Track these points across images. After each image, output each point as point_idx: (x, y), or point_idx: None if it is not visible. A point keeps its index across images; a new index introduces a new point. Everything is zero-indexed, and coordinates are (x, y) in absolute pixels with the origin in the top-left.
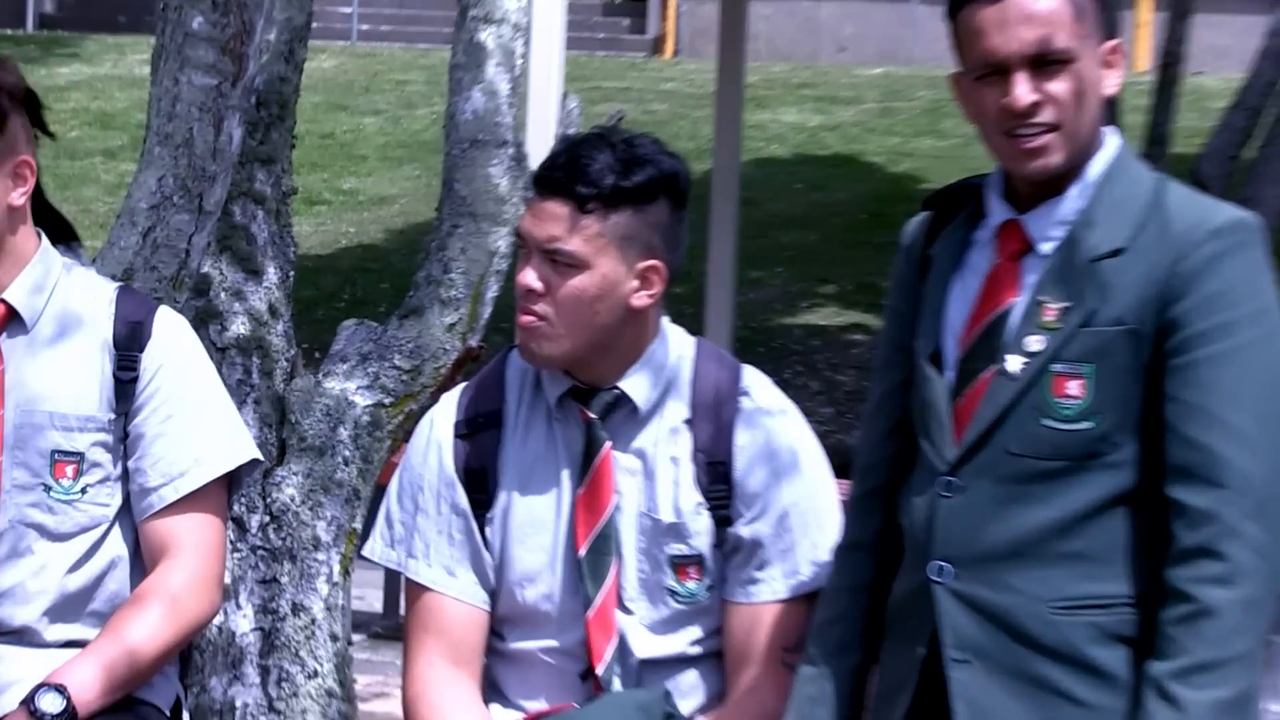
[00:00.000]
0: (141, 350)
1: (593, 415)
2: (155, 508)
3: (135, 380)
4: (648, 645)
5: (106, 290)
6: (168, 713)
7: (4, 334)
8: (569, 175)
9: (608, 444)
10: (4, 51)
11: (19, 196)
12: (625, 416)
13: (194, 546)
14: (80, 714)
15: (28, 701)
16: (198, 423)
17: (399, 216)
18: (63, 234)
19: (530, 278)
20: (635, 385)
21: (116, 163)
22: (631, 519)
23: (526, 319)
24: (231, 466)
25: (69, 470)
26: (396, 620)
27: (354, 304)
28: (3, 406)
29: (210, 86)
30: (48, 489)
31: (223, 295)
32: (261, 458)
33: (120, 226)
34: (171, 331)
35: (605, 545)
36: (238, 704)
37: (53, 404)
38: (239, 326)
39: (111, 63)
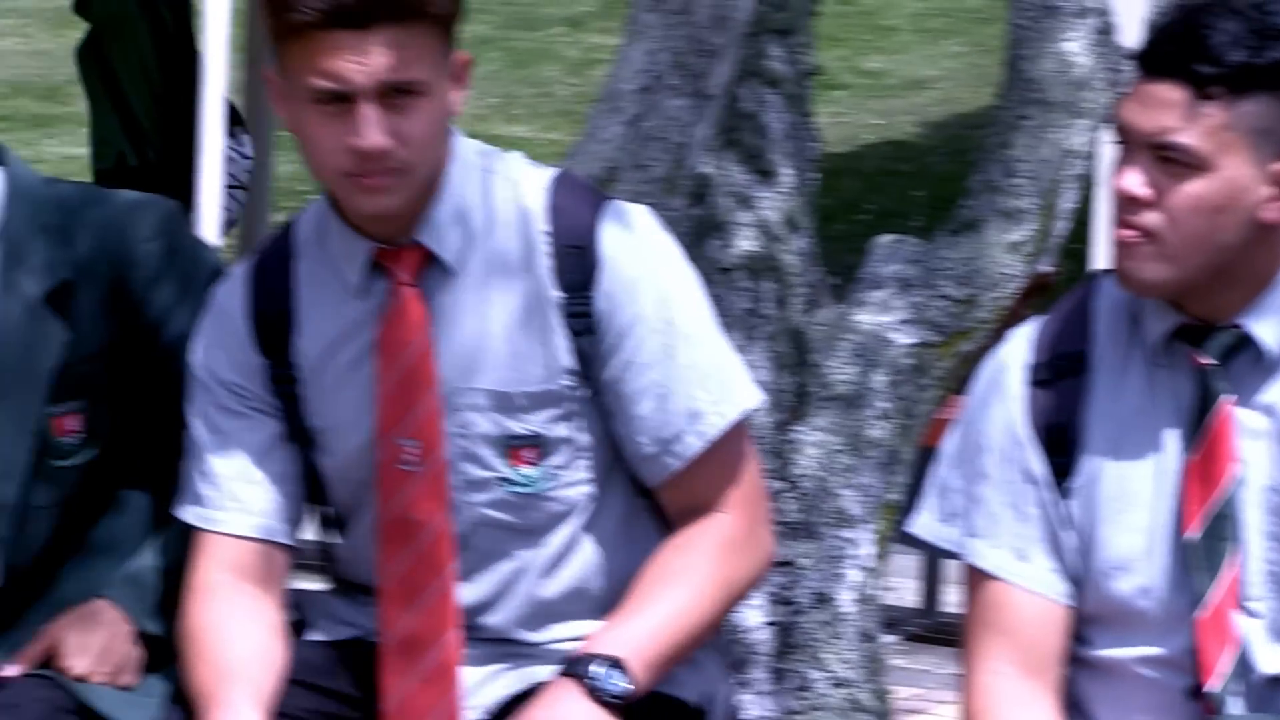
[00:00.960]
0: (591, 286)
1: (1208, 360)
2: (659, 477)
3: (593, 329)
4: (1276, 657)
5: (538, 192)
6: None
7: (421, 287)
8: (1185, 50)
9: (1228, 398)
10: None
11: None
12: (1250, 363)
13: (723, 500)
14: (637, 691)
15: (578, 674)
16: (684, 360)
17: (938, 105)
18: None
19: (1133, 182)
20: (1265, 324)
21: (582, 34)
22: (1258, 494)
23: (1127, 234)
24: (737, 412)
25: (529, 456)
26: (936, 618)
27: (881, 216)
28: (434, 390)
29: None
30: (507, 481)
31: (726, 201)
32: (763, 399)
33: (600, 114)
34: (624, 247)
35: (1222, 527)
36: (744, 714)
37: (494, 379)
38: (747, 242)
39: None
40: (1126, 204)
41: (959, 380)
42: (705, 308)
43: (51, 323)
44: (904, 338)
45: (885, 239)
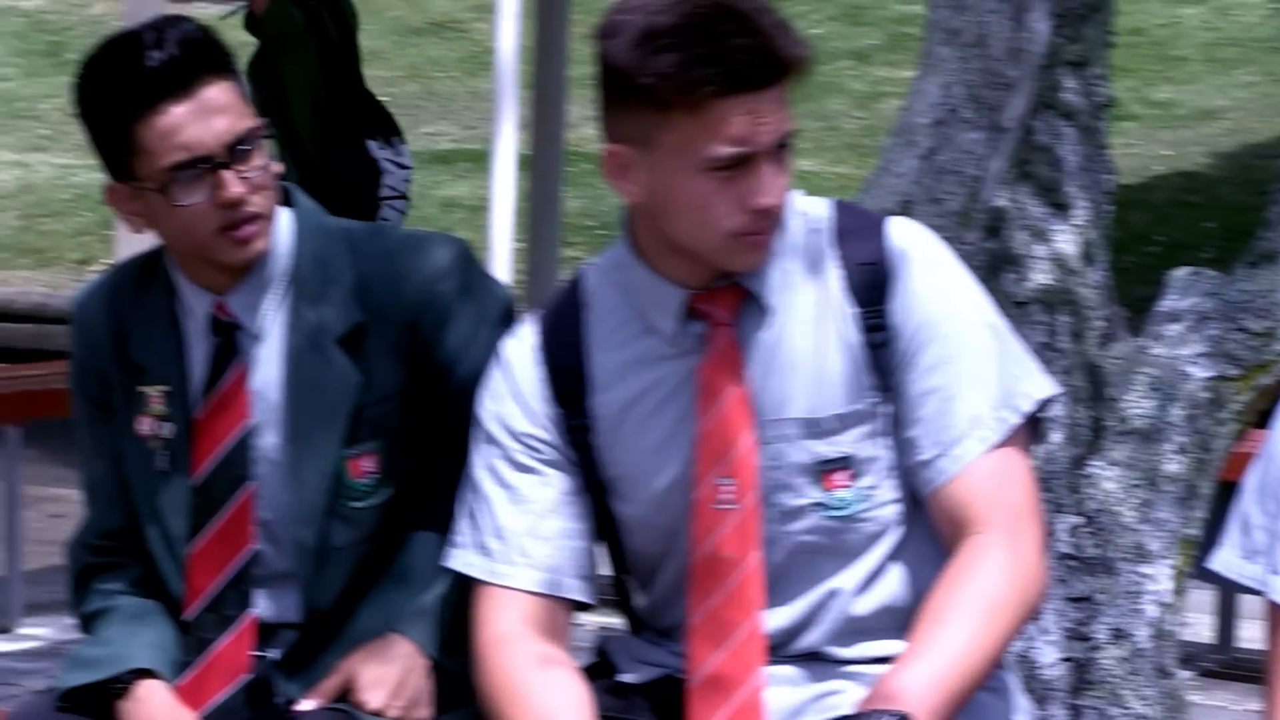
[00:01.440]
0: (884, 299)
1: None
2: (936, 483)
3: (889, 341)
4: None
5: (822, 220)
6: None
7: (737, 329)
8: None
9: None
10: None
11: None
12: None
13: (998, 516)
14: None
15: None
16: (970, 364)
17: (1229, 135)
18: (382, 127)
19: None
20: None
21: (869, 67)
22: None
23: None
24: (1019, 418)
25: (841, 479)
26: (1232, 653)
27: (1171, 248)
28: (751, 428)
29: None
30: (822, 507)
31: (1022, 235)
32: (1059, 391)
33: (894, 148)
34: (912, 257)
35: None
36: None
37: (802, 406)
38: (1042, 275)
39: None
40: None
41: (1257, 414)
42: (991, 313)
43: (346, 365)
44: (1201, 371)
45: (1181, 272)
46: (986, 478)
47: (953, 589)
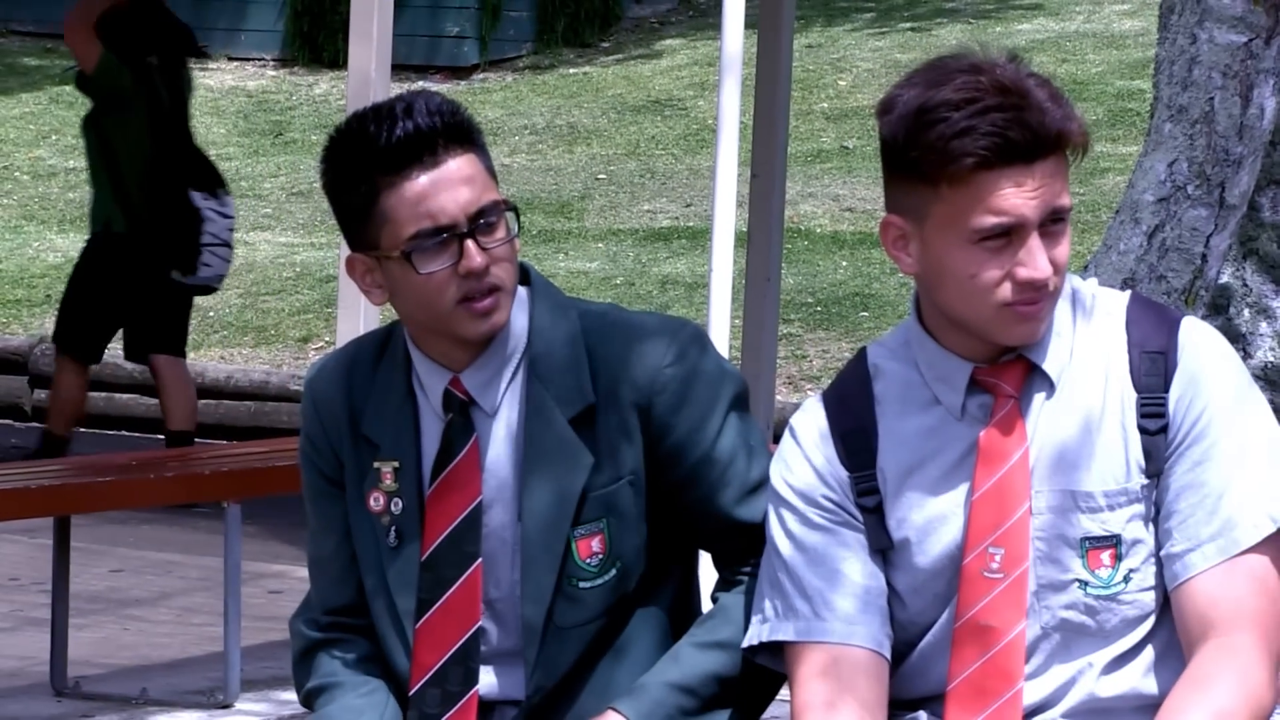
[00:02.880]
0: (1167, 388)
1: None
2: (1181, 577)
3: (1165, 429)
4: None
5: (1117, 308)
6: None
7: (1020, 401)
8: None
9: None
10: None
11: None
12: None
13: (1240, 623)
14: None
15: None
16: (1237, 465)
17: None
18: (208, 180)
19: None
20: None
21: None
22: None
23: None
24: (1274, 527)
25: (1106, 558)
26: None
27: None
28: (1027, 499)
29: (1237, 45)
30: (1084, 584)
31: (1247, 312)
32: None
33: (1119, 224)
34: (1200, 353)
35: None
36: None
37: (1077, 480)
38: (1267, 352)
39: (1084, 16)
40: None
41: None
42: (1270, 423)
43: (577, 445)
44: None
45: None
46: (1233, 582)
47: (1187, 695)
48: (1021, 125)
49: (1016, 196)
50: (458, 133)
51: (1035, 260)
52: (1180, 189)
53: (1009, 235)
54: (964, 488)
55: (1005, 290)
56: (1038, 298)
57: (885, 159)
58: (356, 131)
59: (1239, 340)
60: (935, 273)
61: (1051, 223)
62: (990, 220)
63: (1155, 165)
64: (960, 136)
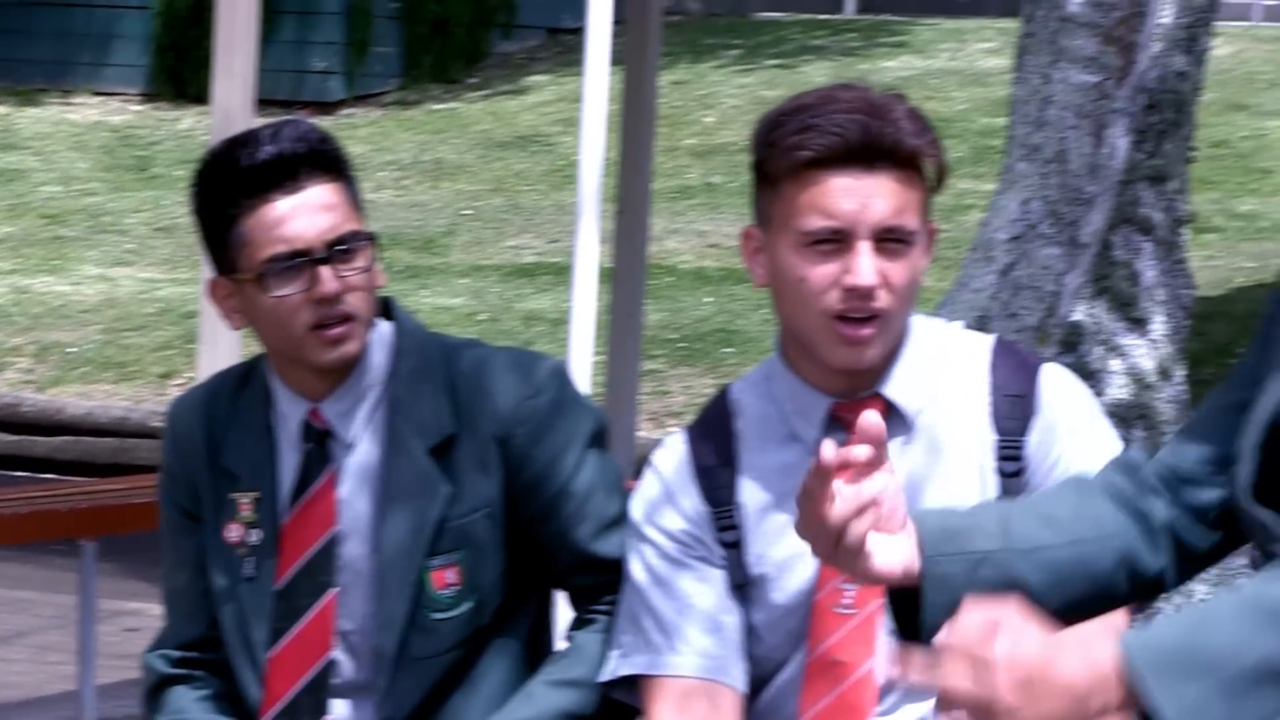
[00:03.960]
0: (1026, 432)
1: None
2: None
3: (1022, 473)
4: None
5: (980, 351)
6: None
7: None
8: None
9: None
10: (820, 41)
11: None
12: None
13: None
14: None
15: None
16: None
17: None
18: None
19: None
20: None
21: (954, 179)
22: None
23: None
24: None
25: None
26: None
27: None
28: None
29: (1089, 85)
30: None
31: (1098, 349)
32: None
33: (972, 262)
34: (1060, 399)
35: None
36: None
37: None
38: (1118, 390)
39: (948, 54)
40: None
41: None
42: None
43: (435, 476)
44: None
45: None
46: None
47: None
48: (864, 130)
49: (848, 200)
50: (322, 160)
51: (860, 267)
52: (1033, 228)
53: (840, 242)
54: None
55: (833, 298)
56: (864, 311)
57: (750, 171)
58: (223, 155)
59: (1090, 377)
60: (776, 282)
61: (890, 240)
62: (818, 222)
63: (1009, 204)
64: (802, 133)
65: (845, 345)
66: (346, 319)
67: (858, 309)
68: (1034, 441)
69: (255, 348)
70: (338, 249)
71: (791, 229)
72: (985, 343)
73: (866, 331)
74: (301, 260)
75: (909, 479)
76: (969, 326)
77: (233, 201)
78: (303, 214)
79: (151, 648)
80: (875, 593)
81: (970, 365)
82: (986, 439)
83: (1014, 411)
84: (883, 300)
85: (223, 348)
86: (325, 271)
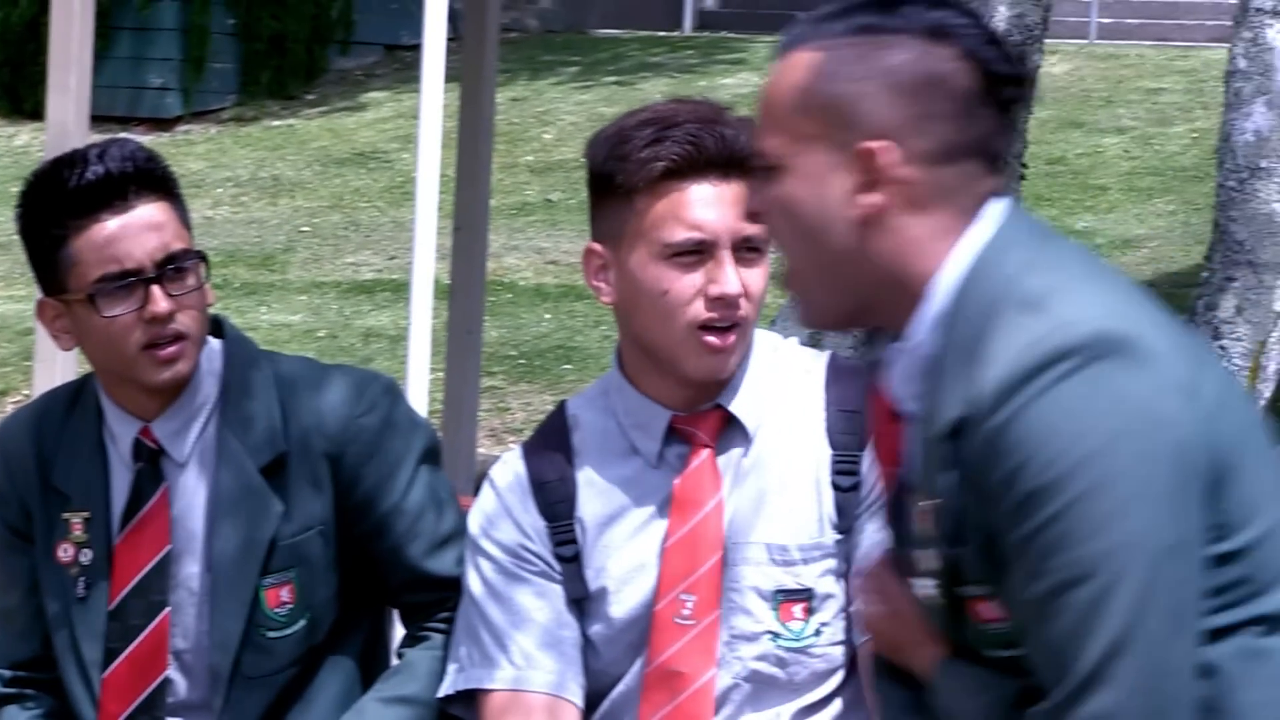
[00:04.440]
0: (862, 446)
1: None
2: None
3: (858, 487)
4: None
5: (815, 367)
6: None
7: (717, 451)
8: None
9: None
10: (658, 58)
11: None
12: None
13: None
14: None
15: None
16: None
17: (1147, 264)
18: None
19: None
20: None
21: None
22: None
23: None
24: None
25: (798, 611)
26: None
27: None
28: (720, 547)
29: None
30: (775, 636)
31: None
32: None
33: None
34: None
35: None
36: None
37: (771, 532)
38: None
39: None
40: None
41: None
42: None
43: (267, 495)
44: None
45: None
46: None
47: None
48: (715, 136)
49: (709, 211)
50: (150, 180)
51: (726, 276)
52: None
53: (701, 253)
54: (661, 537)
55: (698, 308)
56: (729, 319)
57: (590, 188)
58: (49, 175)
59: None
60: (630, 297)
61: (746, 250)
62: (682, 234)
63: None
64: (654, 144)
65: (709, 354)
66: (178, 338)
67: (725, 318)
68: (869, 456)
69: (91, 366)
70: (169, 268)
71: (651, 241)
72: (821, 359)
73: (730, 339)
74: (132, 280)
75: (751, 492)
76: (803, 342)
77: (60, 222)
78: (133, 233)
79: None
80: (714, 604)
81: (806, 380)
82: (823, 454)
83: (849, 426)
84: (744, 308)
85: (59, 366)
86: (157, 291)
